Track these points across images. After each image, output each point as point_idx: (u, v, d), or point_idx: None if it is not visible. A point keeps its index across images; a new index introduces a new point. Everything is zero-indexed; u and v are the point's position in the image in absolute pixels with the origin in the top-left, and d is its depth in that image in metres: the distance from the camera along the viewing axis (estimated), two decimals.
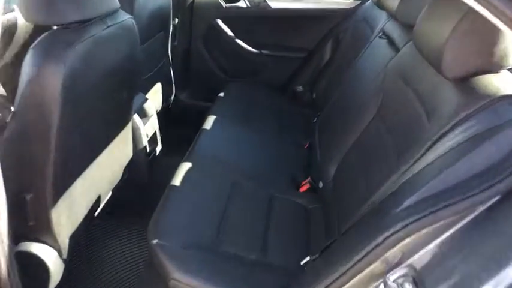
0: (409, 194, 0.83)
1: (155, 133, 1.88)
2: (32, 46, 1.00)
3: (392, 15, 1.65)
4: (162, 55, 2.17)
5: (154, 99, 2.04)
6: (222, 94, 2.20)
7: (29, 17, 1.05)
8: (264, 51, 2.42)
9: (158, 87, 2.12)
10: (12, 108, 1.00)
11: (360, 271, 0.83)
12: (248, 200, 1.49)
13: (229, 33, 2.40)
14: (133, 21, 1.33)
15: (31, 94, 0.99)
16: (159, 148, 1.92)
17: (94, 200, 1.42)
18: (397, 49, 1.45)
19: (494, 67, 0.96)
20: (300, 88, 2.38)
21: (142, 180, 1.80)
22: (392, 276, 0.76)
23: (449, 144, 0.87)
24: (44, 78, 0.97)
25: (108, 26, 1.14)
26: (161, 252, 1.17)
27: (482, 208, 0.74)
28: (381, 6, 1.85)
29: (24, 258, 1.15)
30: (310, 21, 2.38)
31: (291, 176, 1.71)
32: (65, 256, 1.27)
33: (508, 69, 0.98)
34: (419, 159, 0.94)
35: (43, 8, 1.01)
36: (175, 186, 1.43)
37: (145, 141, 1.75)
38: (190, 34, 2.42)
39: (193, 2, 2.38)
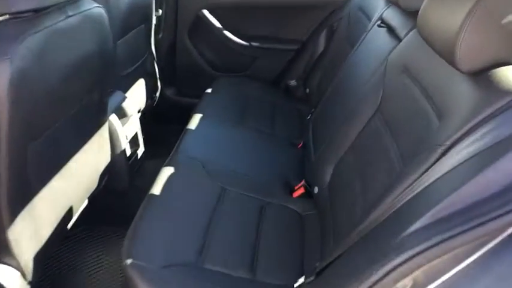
0: (418, 214, 0.69)
1: (136, 134, 1.73)
2: None
3: (392, 1, 1.50)
4: (144, 49, 2.02)
5: (136, 97, 1.89)
6: (209, 90, 2.05)
7: None
8: (254, 44, 2.27)
9: (141, 84, 1.97)
10: None
11: None
12: (237, 209, 1.35)
13: (217, 24, 2.25)
14: (103, 11, 1.18)
15: None
16: (141, 150, 1.78)
17: (65, 212, 1.27)
18: (398, 38, 1.30)
19: None
20: (293, 82, 2.24)
21: (123, 186, 1.66)
22: None
23: (466, 151, 0.73)
24: None
25: (69, 16, 0.99)
26: (137, 273, 1.03)
27: (507, 233, 0.61)
28: None
29: None
30: (302, 11, 2.23)
31: (284, 179, 1.57)
32: (30, 278, 1.13)
33: None
34: (429, 168, 0.80)
35: None
36: (154, 195, 1.29)
37: (124, 144, 1.60)
38: (176, 26, 2.26)
39: None
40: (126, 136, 1.64)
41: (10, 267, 1.08)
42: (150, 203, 1.26)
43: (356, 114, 1.33)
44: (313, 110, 1.85)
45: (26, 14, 0.90)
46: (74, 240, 1.64)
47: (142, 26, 1.95)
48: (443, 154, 0.79)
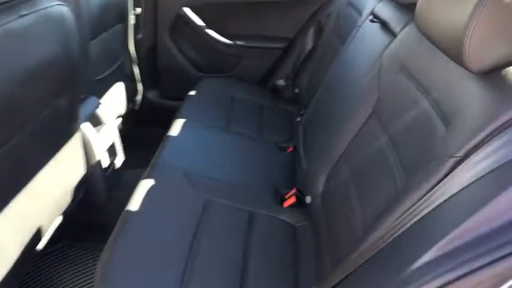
0: (428, 244, 0.58)
1: (114, 143, 1.61)
2: None
3: None
4: (121, 50, 1.89)
5: (113, 102, 1.76)
6: (192, 92, 1.94)
7: None
8: (239, 43, 2.15)
9: (119, 87, 1.85)
10: None
11: None
12: (223, 223, 1.24)
13: (199, 23, 2.12)
14: (66, 9, 1.06)
15: None
16: (120, 160, 1.66)
17: (32, 235, 1.15)
18: (393, 34, 1.20)
19: None
20: (281, 82, 2.12)
21: (100, 200, 1.54)
22: None
23: (481, 166, 0.62)
24: None
25: (22, 16, 0.86)
26: None
27: None
28: None
29: None
30: (289, 7, 2.12)
31: (274, 187, 1.46)
32: None
33: None
34: (437, 184, 0.70)
35: None
36: (131, 212, 1.17)
37: (100, 154, 1.48)
38: (156, 25, 2.13)
39: None
40: (102, 145, 1.52)
41: None
42: (126, 221, 1.14)
43: (349, 117, 1.23)
44: (303, 111, 1.74)
45: None
46: (51, 258, 1.53)
47: (119, 25, 1.83)
48: (454, 168, 0.68)
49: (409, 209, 0.72)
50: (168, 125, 1.71)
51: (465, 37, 0.71)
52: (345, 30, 1.67)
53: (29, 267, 1.45)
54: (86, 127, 1.39)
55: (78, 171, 1.39)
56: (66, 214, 1.38)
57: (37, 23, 0.91)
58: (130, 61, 2.03)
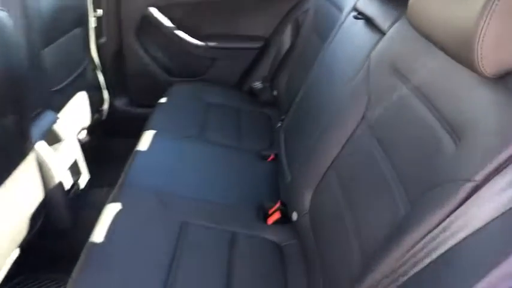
0: None
1: (76, 161, 1.45)
2: None
3: None
4: (82, 57, 1.73)
5: (75, 115, 1.60)
6: (163, 100, 1.79)
7: None
8: (211, 44, 2.01)
9: (81, 98, 1.69)
10: None
11: None
12: (203, 247, 1.11)
13: (167, 24, 1.97)
14: (5, 15, 0.90)
15: None
16: (84, 179, 1.50)
17: None
18: (381, 32, 1.08)
19: None
20: (258, 85, 2.00)
21: (64, 225, 1.38)
22: None
23: (508, 195, 0.51)
24: None
25: None
26: None
27: None
28: None
29: None
30: (263, 4, 2.00)
31: (256, 202, 1.33)
32: None
33: None
34: (450, 214, 0.58)
35: None
36: (95, 244, 1.03)
37: (61, 175, 1.32)
38: (120, 28, 1.97)
39: None
40: (63, 164, 1.36)
41: None
42: (91, 254, 1.01)
43: (336, 124, 1.12)
44: (283, 116, 1.62)
45: None
46: None
47: (78, 29, 1.67)
48: (470, 194, 0.57)
49: (417, 244, 0.61)
50: (139, 134, 1.57)
51: (476, 37, 0.60)
52: (325, 28, 1.55)
53: None
54: (40, 146, 1.24)
55: (35, 196, 1.23)
56: (24, 245, 1.22)
57: None
58: (94, 68, 1.86)
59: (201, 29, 2.03)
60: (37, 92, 1.28)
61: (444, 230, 0.57)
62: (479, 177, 0.56)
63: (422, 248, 0.58)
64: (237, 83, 2.10)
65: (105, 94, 1.95)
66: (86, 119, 1.75)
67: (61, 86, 1.51)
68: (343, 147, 1.07)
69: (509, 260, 0.46)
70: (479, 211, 0.54)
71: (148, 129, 1.52)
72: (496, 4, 0.58)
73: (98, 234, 1.05)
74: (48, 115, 1.34)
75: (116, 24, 1.95)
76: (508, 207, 0.50)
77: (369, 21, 1.18)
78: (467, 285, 0.47)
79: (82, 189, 1.48)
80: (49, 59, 1.40)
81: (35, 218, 1.24)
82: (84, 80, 1.74)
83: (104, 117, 1.99)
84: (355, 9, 1.31)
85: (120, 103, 2.10)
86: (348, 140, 1.06)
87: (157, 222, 1.14)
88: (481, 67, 0.61)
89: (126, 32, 1.98)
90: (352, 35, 1.26)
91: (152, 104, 1.83)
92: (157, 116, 1.64)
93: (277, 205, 1.31)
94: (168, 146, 1.46)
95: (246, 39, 2.05)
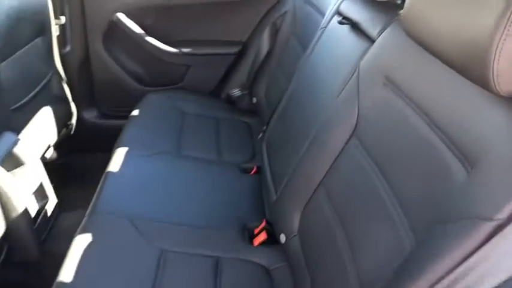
0: None
1: (42, 184, 1.33)
2: None
3: None
4: (45, 69, 1.60)
5: (39, 132, 1.47)
6: (135, 112, 1.67)
7: None
8: (185, 50, 1.90)
9: (45, 114, 1.55)
10: None
11: None
12: (184, 277, 1.02)
13: (138, 30, 1.86)
14: None
15: None
16: (52, 204, 1.37)
17: None
18: (369, 39, 1.00)
19: None
20: (236, 92, 1.90)
21: (31, 256, 1.26)
22: None
23: None
24: None
25: None
26: None
27: None
28: None
29: None
30: (238, 7, 1.90)
31: (240, 222, 1.24)
32: None
33: None
34: (468, 258, 0.51)
35: None
36: (64, 284, 0.92)
37: (24, 202, 1.20)
38: (86, 35, 1.84)
39: None
40: (26, 190, 1.23)
41: None
42: None
43: (324, 138, 1.04)
44: (265, 127, 1.53)
45: None
46: None
47: (39, 39, 1.53)
48: (493, 235, 0.49)
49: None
50: (111, 148, 1.46)
51: (492, 52, 0.52)
52: (305, 32, 1.47)
53: None
54: None
55: None
56: None
57: None
58: (59, 79, 1.73)
59: (173, 35, 1.93)
60: None
61: (463, 276, 0.50)
62: (502, 215, 0.49)
63: None
64: (214, 90, 2.01)
65: (73, 107, 1.82)
66: (52, 135, 1.62)
67: (21, 103, 1.38)
68: (332, 163, 0.99)
69: None
70: (506, 256, 0.47)
71: (119, 147, 1.41)
72: None
73: (67, 273, 0.94)
74: (7, 137, 1.22)
75: (81, 32, 1.82)
76: None
77: (355, 27, 1.10)
78: None
79: (50, 216, 1.36)
80: (6, 74, 1.27)
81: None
82: (49, 94, 1.61)
83: (72, 131, 1.86)
84: (338, 12, 1.23)
85: (90, 116, 1.97)
86: (338, 156, 0.98)
87: (134, 253, 1.05)
88: (496, 85, 0.53)
89: (92, 39, 1.85)
90: (336, 41, 1.18)
91: (124, 115, 1.72)
92: (129, 130, 1.53)
93: (263, 224, 1.22)
94: (142, 165, 1.35)
95: (222, 44, 1.96)
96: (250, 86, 1.87)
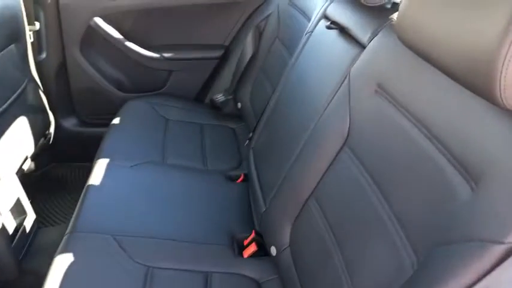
0: None
1: (19, 200, 1.26)
2: None
3: None
4: (20, 77, 1.52)
5: (14, 145, 1.40)
6: (116, 120, 1.61)
7: None
8: (166, 55, 1.85)
9: (21, 124, 1.48)
10: None
11: None
12: None
13: (116, 35, 1.79)
14: None
15: None
16: (30, 220, 1.31)
17: None
18: (359, 44, 0.98)
19: None
20: (220, 97, 1.85)
21: (7, 276, 1.19)
22: None
23: None
24: None
25: None
26: None
27: None
28: None
29: None
30: (220, 10, 1.85)
31: (229, 233, 1.21)
32: None
33: None
34: (476, 283, 0.48)
35: None
36: None
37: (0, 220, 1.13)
38: (62, 41, 1.77)
39: None
40: (2, 207, 1.17)
41: None
42: None
43: (314, 147, 1.00)
44: (251, 134, 1.49)
45: None
46: None
47: (12, 46, 1.46)
48: (504, 258, 0.46)
49: None
50: (91, 156, 1.40)
51: (499, 63, 0.49)
52: (290, 36, 1.44)
53: None
54: None
55: None
56: None
57: None
58: (35, 87, 1.65)
59: (154, 39, 1.87)
60: None
61: None
62: (504, 240, 0.46)
63: None
64: (197, 96, 1.96)
65: (51, 116, 1.75)
66: (29, 146, 1.55)
67: None
68: (324, 173, 0.96)
69: None
70: None
71: (100, 158, 1.35)
72: None
73: None
74: None
75: (57, 38, 1.75)
76: None
77: (343, 32, 1.07)
78: None
79: (28, 232, 1.29)
80: None
81: None
82: (24, 103, 1.53)
83: (51, 141, 1.79)
84: (325, 17, 1.20)
85: (69, 124, 1.90)
86: (329, 166, 0.95)
87: (118, 272, 1.00)
88: (503, 100, 0.51)
89: (69, 45, 1.78)
90: (324, 46, 1.15)
91: (105, 123, 1.66)
92: (110, 140, 1.47)
93: (252, 235, 1.19)
94: (124, 177, 1.29)
95: (204, 48, 1.91)
96: (234, 91, 1.83)
